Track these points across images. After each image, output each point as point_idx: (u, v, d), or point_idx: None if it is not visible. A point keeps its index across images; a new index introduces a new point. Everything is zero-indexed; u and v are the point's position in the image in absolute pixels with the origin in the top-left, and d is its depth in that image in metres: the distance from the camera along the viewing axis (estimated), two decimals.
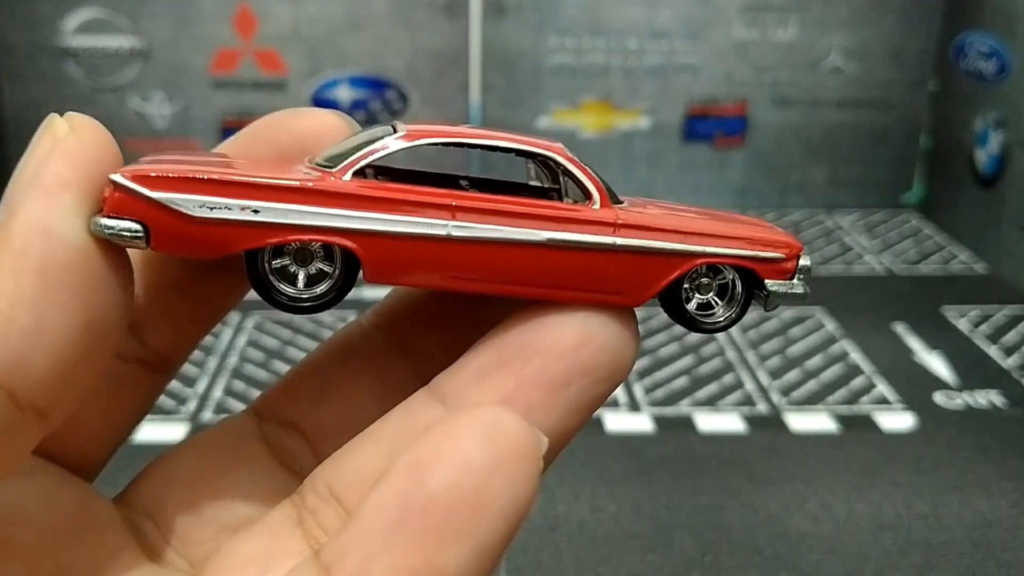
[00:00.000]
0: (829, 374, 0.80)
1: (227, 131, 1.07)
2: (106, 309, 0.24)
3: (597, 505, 0.63)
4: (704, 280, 0.29)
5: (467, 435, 0.23)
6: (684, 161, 1.13)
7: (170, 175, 0.25)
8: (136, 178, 0.25)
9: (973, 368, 0.81)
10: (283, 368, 0.79)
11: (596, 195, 0.28)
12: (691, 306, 0.29)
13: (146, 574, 0.27)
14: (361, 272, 0.27)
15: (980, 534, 0.61)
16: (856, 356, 0.83)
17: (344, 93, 1.06)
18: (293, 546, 0.26)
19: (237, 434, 0.31)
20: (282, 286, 0.27)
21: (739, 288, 0.30)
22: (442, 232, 0.26)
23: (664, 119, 1.11)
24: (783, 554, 0.59)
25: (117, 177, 0.25)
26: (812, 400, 0.76)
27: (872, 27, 1.10)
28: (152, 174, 0.25)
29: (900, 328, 0.88)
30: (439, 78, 1.06)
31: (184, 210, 0.25)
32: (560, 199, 0.29)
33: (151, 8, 1.02)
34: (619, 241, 0.28)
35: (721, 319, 0.30)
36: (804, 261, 0.30)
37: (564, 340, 0.26)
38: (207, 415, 0.72)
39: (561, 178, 0.29)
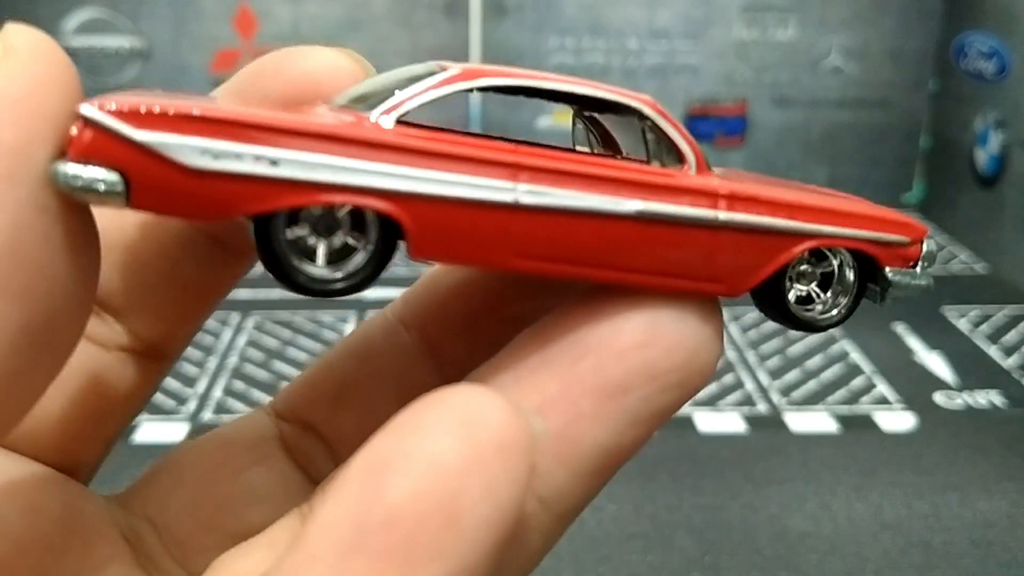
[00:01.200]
0: (829, 374, 0.80)
1: None
2: (51, 306, 0.19)
3: (596, 505, 0.63)
4: (805, 267, 0.24)
5: (436, 427, 0.18)
6: None
7: (161, 109, 0.19)
8: (117, 113, 0.18)
9: (973, 368, 0.81)
10: (283, 368, 0.79)
11: (692, 157, 0.23)
12: (790, 298, 0.24)
13: None
14: (404, 245, 0.21)
15: (980, 534, 0.61)
16: (856, 356, 0.83)
17: None
18: None
19: (253, 433, 0.28)
20: (302, 264, 0.20)
21: (850, 277, 0.24)
22: (508, 198, 0.21)
23: None
24: (783, 554, 0.59)
25: (89, 110, 0.18)
26: (812, 400, 0.76)
27: (872, 27, 1.10)
28: (140, 109, 0.19)
29: (900, 328, 0.88)
30: None
31: (180, 158, 0.19)
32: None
33: (151, 8, 1.02)
34: (722, 216, 0.22)
35: (833, 313, 0.24)
36: (929, 246, 0.25)
37: (626, 336, 0.21)
38: (207, 415, 0.72)
39: (647, 135, 0.24)
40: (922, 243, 0.25)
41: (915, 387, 0.78)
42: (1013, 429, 0.72)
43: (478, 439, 0.18)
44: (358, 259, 0.21)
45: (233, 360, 0.80)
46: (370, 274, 0.21)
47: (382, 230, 0.21)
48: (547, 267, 0.21)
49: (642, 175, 0.22)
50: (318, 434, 0.28)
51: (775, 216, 0.23)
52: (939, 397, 0.77)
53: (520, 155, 0.21)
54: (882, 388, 0.78)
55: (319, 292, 0.21)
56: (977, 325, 0.89)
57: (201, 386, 0.76)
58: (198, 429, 0.70)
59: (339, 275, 0.21)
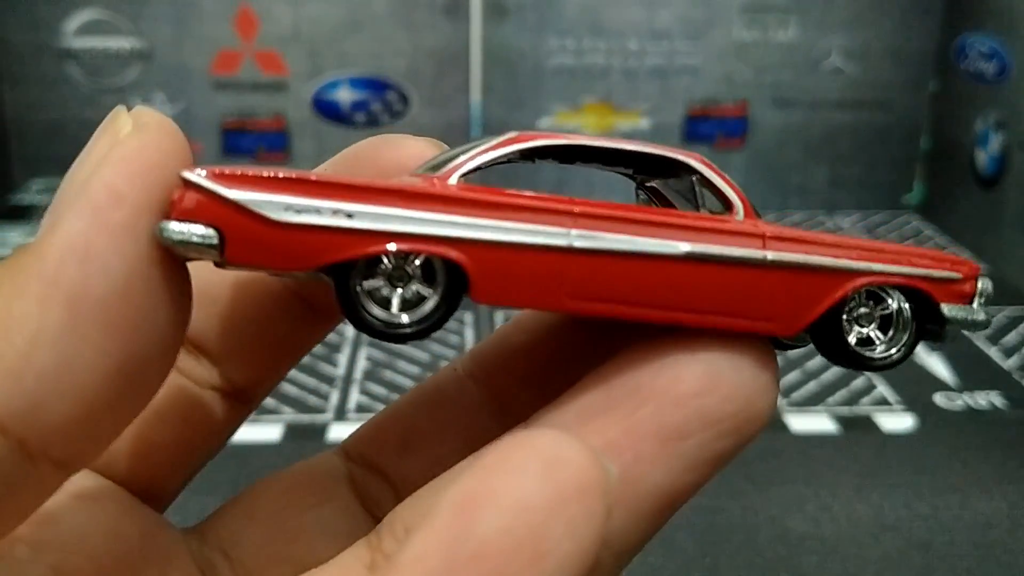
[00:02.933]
0: (829, 375, 0.80)
1: (228, 132, 1.07)
2: (149, 346, 0.21)
3: None
4: (863, 310, 0.25)
5: (522, 467, 0.19)
6: None
7: (251, 173, 0.21)
8: (212, 175, 0.21)
9: (973, 369, 0.81)
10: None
11: (739, 205, 0.25)
12: (851, 339, 0.25)
13: None
14: (468, 291, 0.22)
15: (981, 535, 0.61)
16: None
17: (345, 94, 1.06)
18: None
19: (323, 472, 0.29)
20: (376, 309, 0.23)
21: (907, 315, 0.25)
22: (563, 242, 0.22)
23: (664, 120, 1.11)
24: (783, 555, 0.59)
25: (189, 174, 0.21)
26: (812, 401, 0.76)
27: (872, 28, 1.10)
28: (230, 171, 0.21)
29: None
30: (440, 79, 1.06)
31: (266, 213, 0.21)
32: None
33: (152, 9, 1.02)
34: (770, 255, 0.23)
35: (892, 351, 0.25)
36: (984, 284, 0.25)
37: (684, 384, 0.22)
38: None
39: (697, 188, 0.25)
40: (977, 280, 0.25)
41: (915, 388, 0.78)
42: (1014, 430, 0.72)
43: (561, 480, 0.19)
44: (427, 306, 0.23)
45: None
46: (439, 319, 0.23)
47: (448, 278, 0.22)
48: (601, 308, 0.23)
49: (691, 220, 0.23)
50: (385, 478, 0.29)
51: (822, 255, 0.24)
52: (939, 398, 0.77)
53: (573, 204, 0.23)
54: (882, 389, 0.78)
55: (392, 336, 0.23)
56: None
57: None
58: None
59: (409, 320, 0.23)
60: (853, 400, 0.76)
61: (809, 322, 0.24)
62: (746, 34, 1.09)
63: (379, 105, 1.07)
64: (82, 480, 0.26)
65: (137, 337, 0.20)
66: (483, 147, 0.24)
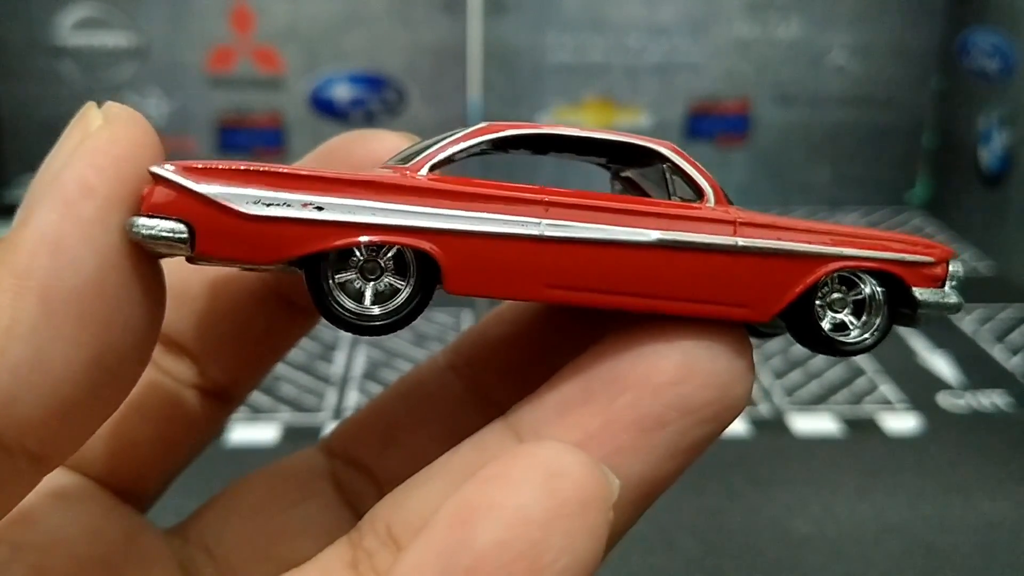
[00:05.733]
0: (832, 375, 0.79)
1: (224, 129, 1.06)
2: (123, 340, 0.21)
3: None
4: (837, 296, 0.25)
5: (522, 479, 0.19)
6: None
7: (220, 166, 0.21)
8: (180, 170, 0.21)
9: (977, 369, 0.80)
10: (281, 369, 0.78)
11: (711, 192, 0.24)
12: (824, 325, 0.25)
13: None
14: (441, 282, 0.22)
15: (984, 536, 0.60)
16: (859, 357, 0.82)
17: (342, 91, 1.06)
18: None
19: (304, 469, 0.29)
20: (347, 302, 0.23)
21: (880, 299, 0.25)
22: (534, 231, 0.22)
23: (666, 117, 1.11)
24: (786, 557, 0.58)
25: (158, 169, 0.21)
26: (815, 401, 0.75)
27: (875, 25, 1.09)
28: (199, 165, 0.21)
29: (903, 328, 0.87)
30: (438, 76, 1.06)
31: (236, 206, 0.21)
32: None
33: (147, 5, 1.02)
34: (741, 242, 0.23)
35: (867, 336, 0.25)
36: (956, 267, 0.25)
37: (661, 372, 0.22)
38: None
39: (668, 176, 0.25)
40: (948, 263, 0.25)
41: (919, 388, 0.77)
42: (1017, 430, 0.72)
43: (561, 493, 0.19)
44: (400, 298, 0.23)
45: None
46: (411, 311, 0.23)
47: (420, 270, 0.23)
48: (574, 296, 0.23)
49: (662, 208, 0.23)
50: (367, 472, 0.29)
51: (794, 240, 0.24)
52: (943, 398, 0.76)
53: (544, 193, 0.23)
54: (885, 389, 0.77)
55: (364, 329, 0.23)
56: (982, 325, 0.88)
57: None
58: None
59: (380, 312, 0.23)
60: (856, 400, 0.75)
61: (782, 307, 0.24)
62: (748, 31, 1.09)
63: (376, 102, 1.06)
64: (62, 481, 0.26)
65: (111, 329, 0.20)
66: (453, 138, 0.24)
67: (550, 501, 0.19)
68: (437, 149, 0.24)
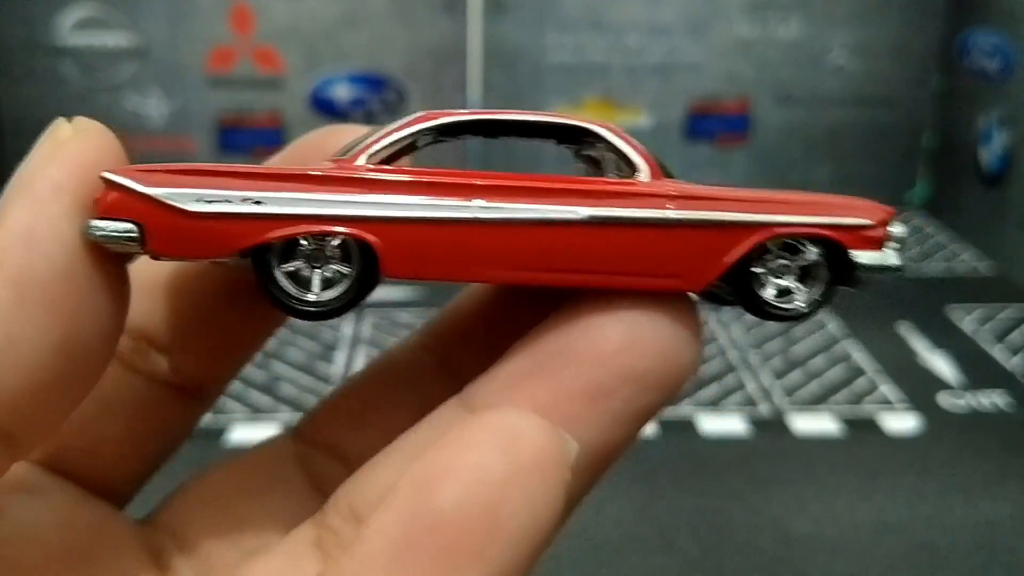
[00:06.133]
0: (832, 375, 0.79)
1: (224, 129, 1.06)
2: (89, 328, 0.22)
3: (598, 507, 0.62)
4: (782, 262, 0.25)
5: (480, 444, 0.20)
6: (686, 160, 1.12)
7: (162, 168, 0.23)
8: (126, 173, 0.23)
9: (978, 369, 0.80)
10: (281, 369, 0.78)
11: (644, 167, 0.25)
12: (768, 292, 0.25)
13: None
14: (379, 267, 0.24)
15: (984, 536, 0.60)
16: (859, 357, 0.82)
17: (342, 91, 1.06)
18: (310, 569, 0.24)
19: (273, 456, 0.30)
20: (291, 289, 0.24)
21: (820, 266, 0.25)
22: (467, 214, 0.23)
23: (666, 117, 1.11)
24: (786, 557, 0.58)
25: (108, 174, 0.23)
26: (815, 401, 0.75)
27: (875, 24, 1.09)
28: (147, 168, 0.23)
29: (904, 328, 0.87)
30: (438, 75, 1.06)
31: (180, 204, 0.23)
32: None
33: (147, 5, 1.02)
34: (672, 214, 0.24)
35: (801, 303, 0.25)
36: (897, 228, 0.25)
37: (607, 342, 0.23)
38: (205, 416, 0.71)
39: (603, 154, 0.26)
40: (888, 224, 0.25)
41: (919, 388, 0.77)
42: (1018, 430, 0.72)
43: (518, 455, 0.20)
44: (344, 284, 0.24)
45: None
46: (351, 299, 0.24)
47: (362, 256, 0.24)
48: (511, 276, 0.24)
49: (593, 185, 0.24)
50: (338, 455, 0.29)
51: (726, 210, 0.24)
52: (943, 398, 0.76)
53: (475, 177, 0.24)
54: (885, 389, 0.77)
55: (307, 315, 0.24)
56: (982, 325, 0.88)
57: None
58: (194, 431, 0.69)
59: (322, 298, 0.24)
60: (856, 400, 0.75)
61: (715, 277, 0.24)
62: (748, 30, 1.09)
63: (377, 102, 1.06)
64: (30, 476, 0.27)
65: (77, 318, 0.22)
66: (391, 128, 0.25)
67: (507, 462, 0.20)
68: (373, 140, 0.25)
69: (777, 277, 0.25)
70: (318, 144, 0.28)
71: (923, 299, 0.93)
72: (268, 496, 0.29)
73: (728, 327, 0.87)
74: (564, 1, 1.06)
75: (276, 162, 0.29)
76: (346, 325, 0.84)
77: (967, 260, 1.03)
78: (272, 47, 1.04)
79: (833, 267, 0.25)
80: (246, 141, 1.06)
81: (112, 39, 1.03)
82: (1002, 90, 1.00)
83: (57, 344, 0.21)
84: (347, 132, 0.28)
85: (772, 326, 0.87)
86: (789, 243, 0.25)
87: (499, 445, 0.20)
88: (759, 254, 0.25)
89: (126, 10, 1.02)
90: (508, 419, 0.21)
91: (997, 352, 0.83)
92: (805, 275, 0.25)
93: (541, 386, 0.23)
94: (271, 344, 0.82)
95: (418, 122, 0.25)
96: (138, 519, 0.29)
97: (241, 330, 0.30)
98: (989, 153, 1.03)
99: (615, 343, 0.23)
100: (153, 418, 0.28)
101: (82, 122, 0.24)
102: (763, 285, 0.25)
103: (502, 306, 0.30)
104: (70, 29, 1.02)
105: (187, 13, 1.02)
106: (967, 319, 0.89)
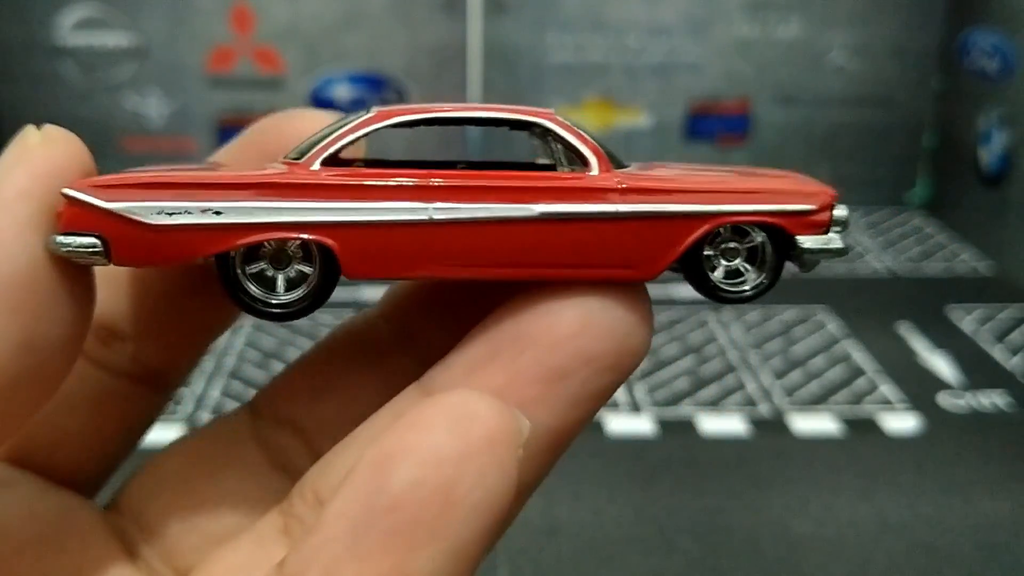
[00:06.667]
0: (832, 375, 0.79)
1: (224, 129, 1.06)
2: (51, 332, 0.23)
3: (598, 508, 0.62)
4: (731, 245, 0.26)
5: (434, 424, 0.21)
6: (686, 159, 1.12)
7: (123, 182, 0.23)
8: (88, 188, 0.23)
9: (978, 369, 0.80)
10: (280, 369, 0.78)
11: (593, 160, 0.26)
12: (716, 274, 0.26)
13: None
14: (340, 269, 0.24)
15: (984, 536, 0.60)
16: (859, 357, 0.82)
17: (342, 91, 1.06)
18: (278, 556, 0.24)
19: (229, 434, 0.30)
20: (254, 291, 0.25)
21: (768, 249, 0.26)
22: (423, 216, 0.24)
23: (666, 117, 1.11)
24: (785, 557, 0.58)
25: (69, 190, 0.23)
26: (815, 401, 0.75)
27: (875, 24, 1.09)
28: (104, 183, 0.23)
29: (904, 328, 0.87)
30: (438, 76, 1.06)
31: (142, 218, 0.23)
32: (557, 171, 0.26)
33: (147, 5, 1.02)
34: (622, 208, 0.25)
35: (748, 287, 0.26)
36: (839, 211, 0.26)
37: (560, 327, 0.24)
38: (204, 416, 0.71)
39: (553, 146, 0.27)
40: (831, 209, 0.26)
41: (919, 388, 0.77)
42: (1018, 430, 0.72)
43: (471, 434, 0.21)
44: (302, 288, 0.25)
45: (230, 361, 0.79)
46: (313, 300, 0.25)
47: (322, 258, 0.24)
48: (469, 272, 0.25)
49: (545, 181, 0.25)
50: (296, 428, 0.30)
51: (673, 202, 0.25)
52: (943, 398, 0.76)
53: (430, 177, 0.24)
54: (885, 389, 0.77)
55: (268, 315, 0.25)
56: (982, 325, 0.88)
57: (198, 387, 0.75)
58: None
59: (281, 300, 0.25)
60: (856, 400, 0.75)
61: (666, 265, 0.25)
62: (748, 31, 1.09)
63: (376, 102, 1.06)
64: None
65: (39, 322, 0.22)
66: (344, 129, 0.26)
67: (461, 441, 0.20)
68: (328, 143, 0.25)
69: (727, 260, 0.26)
70: (277, 128, 0.29)
71: (923, 299, 0.93)
72: (226, 476, 0.29)
73: (728, 327, 0.87)
74: (564, 1, 1.06)
75: (235, 147, 0.30)
76: None
77: (967, 260, 1.03)
78: (272, 47, 1.04)
79: (779, 250, 0.26)
80: None
81: (112, 39, 1.03)
82: (1002, 90, 1.00)
83: (18, 347, 0.22)
84: (306, 118, 0.29)
85: (772, 326, 0.87)
86: (737, 227, 0.26)
87: (452, 424, 0.21)
88: (710, 238, 0.26)
89: (126, 10, 1.02)
90: (460, 399, 0.21)
91: (997, 352, 0.83)
92: (753, 256, 0.27)
93: (499, 371, 0.24)
94: (271, 344, 0.82)
95: (372, 122, 0.26)
96: (104, 506, 0.29)
97: (202, 318, 0.30)
98: (989, 153, 1.03)
99: (570, 327, 0.24)
100: (115, 410, 0.29)
101: (50, 130, 0.24)
102: (713, 267, 0.26)
103: None
104: (70, 29, 1.02)
105: (187, 13, 1.02)
106: (967, 319, 0.89)
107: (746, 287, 0.26)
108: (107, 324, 0.28)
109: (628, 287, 0.25)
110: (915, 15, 1.09)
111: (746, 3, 1.07)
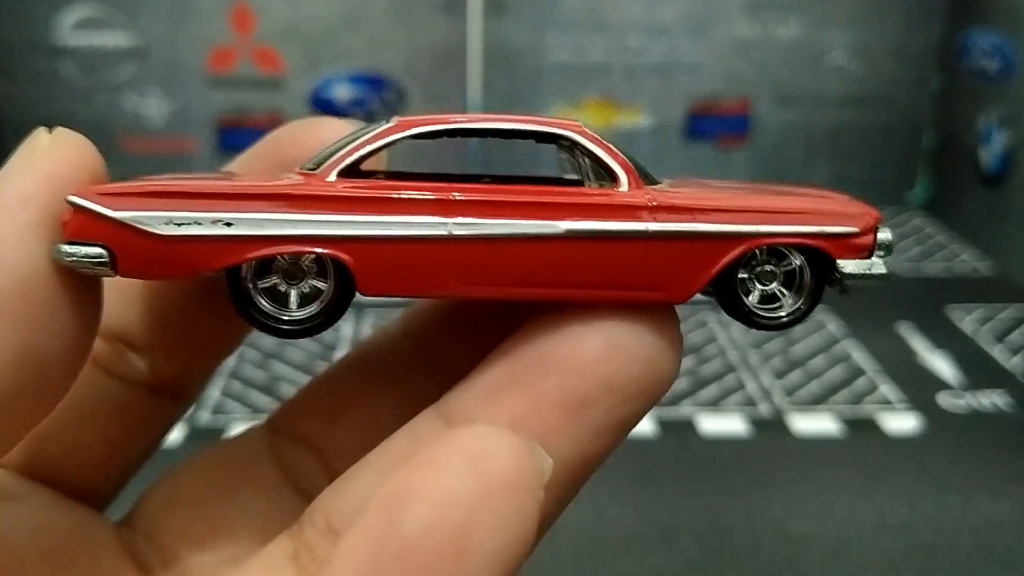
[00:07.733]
0: (832, 375, 0.79)
1: (224, 130, 1.06)
2: (53, 342, 0.21)
3: (598, 508, 0.62)
4: (767, 268, 0.25)
5: (450, 464, 0.19)
6: (686, 160, 1.12)
7: (131, 190, 0.22)
8: (94, 196, 0.22)
9: (978, 369, 0.80)
10: (281, 369, 0.78)
11: (623, 176, 0.24)
12: (752, 299, 0.25)
13: None
14: (355, 285, 0.23)
15: (984, 537, 0.60)
16: (859, 357, 0.82)
17: (342, 91, 1.06)
18: None
19: (247, 451, 0.29)
20: (265, 307, 0.23)
21: (807, 274, 0.25)
22: (442, 231, 0.23)
23: (666, 117, 1.11)
24: (785, 557, 0.58)
25: (75, 198, 0.22)
26: (815, 402, 0.75)
27: (875, 24, 1.09)
28: (112, 191, 0.22)
29: (904, 328, 0.87)
30: (438, 76, 1.06)
31: (150, 228, 0.22)
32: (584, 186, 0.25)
33: (147, 5, 1.02)
34: (652, 227, 0.23)
35: (784, 313, 0.25)
36: (884, 234, 0.25)
37: (585, 353, 0.23)
38: (204, 416, 0.71)
39: (581, 160, 0.25)
40: (875, 231, 0.25)
41: (919, 388, 0.77)
42: (1017, 430, 0.72)
43: (488, 475, 0.19)
44: (315, 304, 0.24)
45: (230, 361, 0.79)
46: (326, 317, 0.24)
47: (337, 273, 0.23)
48: (490, 291, 0.23)
49: (572, 197, 0.24)
50: (312, 448, 0.29)
51: (707, 222, 0.24)
52: (943, 398, 0.76)
53: (451, 191, 0.23)
54: (885, 389, 0.77)
55: (278, 332, 0.24)
56: (982, 325, 0.88)
57: None
58: (195, 431, 0.69)
59: (292, 317, 0.24)
60: (856, 400, 0.75)
61: (698, 288, 0.24)
62: (748, 31, 1.09)
63: (376, 102, 1.06)
64: (5, 483, 0.26)
65: (39, 332, 0.21)
66: (362, 139, 0.24)
67: (476, 483, 0.19)
68: (345, 153, 0.24)
69: (763, 283, 0.25)
70: (293, 139, 0.28)
71: (923, 299, 0.93)
72: (242, 494, 0.28)
73: (728, 327, 0.87)
74: (564, 1, 1.06)
75: (251, 156, 0.29)
76: (346, 325, 0.84)
77: (967, 260, 1.03)
78: (272, 47, 1.04)
79: (818, 274, 0.25)
80: (246, 141, 1.05)
81: (112, 39, 1.03)
82: (1002, 90, 1.00)
83: (16, 358, 0.21)
84: (324, 127, 0.28)
85: None
86: (775, 249, 0.25)
87: (469, 465, 0.19)
88: (745, 261, 0.25)
89: (126, 10, 1.02)
90: (479, 437, 0.20)
91: (997, 352, 0.83)
92: (790, 280, 0.25)
93: (520, 397, 0.23)
94: (271, 344, 0.82)
95: (391, 133, 0.25)
96: (118, 520, 0.28)
97: (218, 329, 0.29)
98: (989, 153, 1.03)
99: (595, 353, 0.23)
100: (130, 421, 0.28)
101: (60, 133, 0.23)
102: (748, 291, 0.25)
103: None
104: (70, 29, 1.02)
105: (187, 13, 1.02)
106: (967, 319, 0.89)
107: (782, 313, 0.25)
108: (121, 334, 0.27)
109: (657, 310, 0.23)
110: (915, 15, 1.09)
111: (746, 3, 1.07)
